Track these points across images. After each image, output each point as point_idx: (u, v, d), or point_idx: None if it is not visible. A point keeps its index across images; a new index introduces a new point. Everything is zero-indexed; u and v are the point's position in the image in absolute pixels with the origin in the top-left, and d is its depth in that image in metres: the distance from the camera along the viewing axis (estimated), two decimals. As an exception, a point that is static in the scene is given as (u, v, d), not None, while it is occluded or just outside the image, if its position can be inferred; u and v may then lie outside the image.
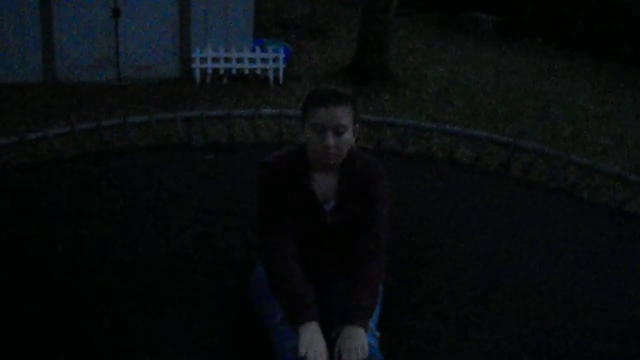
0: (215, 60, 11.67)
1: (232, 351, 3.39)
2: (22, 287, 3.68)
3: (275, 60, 11.75)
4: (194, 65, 11.56)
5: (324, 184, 3.39)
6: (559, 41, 16.61)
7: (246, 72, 11.76)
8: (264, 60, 11.76)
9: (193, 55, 11.60)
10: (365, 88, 11.34)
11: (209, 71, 11.58)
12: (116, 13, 11.35)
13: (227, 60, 11.67)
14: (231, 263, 4.04)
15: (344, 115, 3.15)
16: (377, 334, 3.23)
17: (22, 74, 11.09)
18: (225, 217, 4.50)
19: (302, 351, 2.98)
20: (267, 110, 6.21)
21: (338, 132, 3.15)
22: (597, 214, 5.08)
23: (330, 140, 3.15)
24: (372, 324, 3.28)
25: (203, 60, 11.58)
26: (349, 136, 3.21)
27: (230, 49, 11.72)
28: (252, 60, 11.78)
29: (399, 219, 4.37)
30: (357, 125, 3.29)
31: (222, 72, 11.65)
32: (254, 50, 11.90)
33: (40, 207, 4.55)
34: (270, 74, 11.68)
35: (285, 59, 11.91)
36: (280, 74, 11.77)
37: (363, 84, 11.58)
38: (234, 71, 11.70)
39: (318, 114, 3.15)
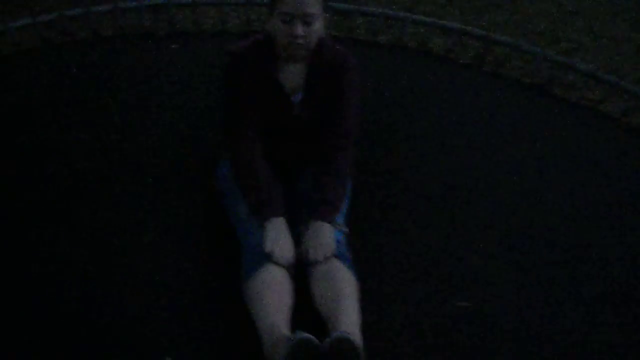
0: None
1: (195, 243, 3.43)
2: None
3: None
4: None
5: (292, 75, 3.31)
6: None
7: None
8: None
9: None
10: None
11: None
12: None
13: None
14: (196, 156, 3.95)
15: (313, 4, 3.08)
16: (345, 229, 3.20)
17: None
18: (189, 109, 4.39)
19: (267, 247, 2.94)
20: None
21: (307, 21, 3.05)
22: (569, 112, 5.00)
23: (299, 29, 3.08)
24: (340, 219, 3.20)
25: None
26: (318, 25, 3.13)
27: None
28: None
29: (370, 111, 4.29)
30: (326, 14, 3.18)
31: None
32: None
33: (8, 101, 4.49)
34: None
35: None
36: None
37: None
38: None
39: (286, 2, 3.07)
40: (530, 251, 3.55)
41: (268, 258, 2.94)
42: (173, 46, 5.23)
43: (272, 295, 2.86)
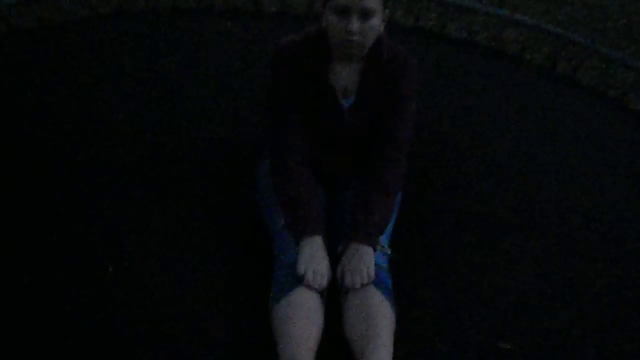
0: None
1: (227, 255, 3.20)
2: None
3: None
4: None
5: (345, 76, 3.01)
6: None
7: None
8: None
9: None
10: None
11: None
12: None
13: None
14: (235, 156, 3.71)
15: None
16: (388, 251, 2.98)
17: None
18: (237, 97, 4.14)
19: (300, 269, 2.69)
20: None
21: (364, 16, 2.73)
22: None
23: (355, 25, 2.76)
24: (384, 240, 2.94)
25: None
26: (376, 22, 2.80)
27: None
28: None
29: (429, 113, 4.01)
30: (387, 10, 2.86)
31: None
32: None
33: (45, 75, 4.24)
34: None
35: None
36: None
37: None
38: None
39: None
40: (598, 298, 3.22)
41: (300, 281, 2.70)
42: (229, 24, 4.95)
43: (299, 322, 2.62)
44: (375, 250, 2.85)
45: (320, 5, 2.93)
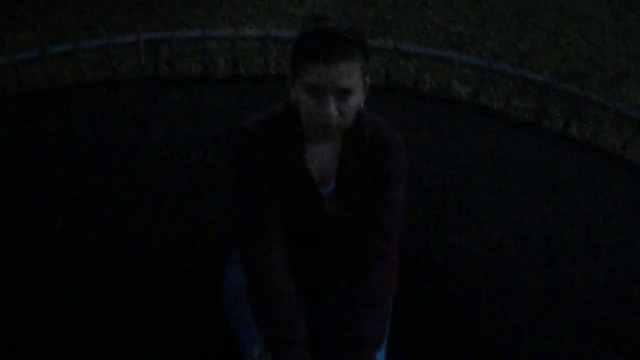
0: (196, -44, 10.50)
1: None
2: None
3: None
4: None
5: (322, 159, 2.47)
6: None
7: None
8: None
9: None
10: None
11: (190, -31, 10.48)
12: None
13: (210, -44, 10.52)
14: (200, 251, 3.23)
15: (351, 72, 2.22)
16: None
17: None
18: (191, 185, 3.64)
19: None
20: (249, 32, 5.21)
21: (342, 95, 2.17)
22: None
23: (332, 107, 2.19)
24: (379, 355, 2.47)
25: (183, -44, 10.45)
26: (357, 99, 2.26)
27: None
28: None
29: (415, 179, 3.59)
30: (367, 80, 2.29)
31: (204, -31, 10.54)
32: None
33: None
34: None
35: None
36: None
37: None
38: (217, -32, 10.57)
39: (314, 71, 2.19)
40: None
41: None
42: (174, 95, 4.43)
43: None
44: None
45: (289, 79, 2.39)
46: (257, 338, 2.43)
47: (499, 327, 3.16)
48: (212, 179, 3.75)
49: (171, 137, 4.07)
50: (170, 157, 3.91)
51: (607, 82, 7.74)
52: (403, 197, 2.56)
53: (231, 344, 2.62)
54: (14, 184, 3.68)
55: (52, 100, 4.41)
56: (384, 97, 4.55)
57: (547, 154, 4.42)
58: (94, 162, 3.87)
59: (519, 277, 3.43)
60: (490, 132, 4.51)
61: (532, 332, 3.15)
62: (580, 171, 4.30)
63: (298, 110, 2.32)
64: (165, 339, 2.95)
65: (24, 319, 2.98)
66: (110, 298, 3.10)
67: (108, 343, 2.92)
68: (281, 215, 2.48)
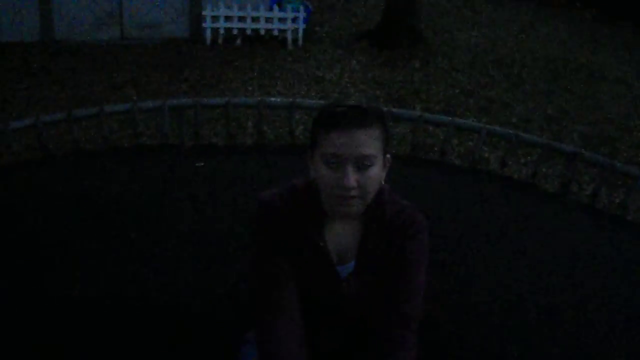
0: (228, 19, 10.71)
1: None
2: None
3: (294, 20, 10.80)
4: (204, 25, 10.57)
5: (341, 238, 2.36)
6: (599, 7, 15.44)
7: (262, 32, 10.77)
8: (281, 20, 10.81)
9: (204, 13, 10.58)
10: (393, 54, 10.33)
11: (222, 31, 10.63)
12: (120, -35, 10.33)
13: (241, 19, 10.74)
14: (214, 325, 3.13)
15: (370, 141, 2.13)
16: None
17: (18, 33, 10.16)
18: (213, 260, 3.55)
19: None
20: (274, 100, 5.19)
21: (362, 166, 2.11)
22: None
23: (351, 178, 2.10)
24: None
25: (215, 19, 10.64)
26: (377, 171, 2.17)
27: (245, 7, 10.71)
28: (268, 20, 10.84)
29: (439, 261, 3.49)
30: (388, 155, 2.24)
31: (235, 32, 10.64)
32: (271, 9, 10.92)
33: None
34: (289, 35, 10.70)
35: (305, 19, 10.94)
36: (300, 35, 10.82)
37: (391, 48, 10.58)
38: (248, 32, 10.74)
39: (333, 140, 2.13)
40: None
41: None
42: (198, 164, 4.38)
43: None
44: None
45: (308, 153, 2.33)
46: None
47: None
48: (231, 251, 3.67)
49: (192, 206, 3.99)
50: (188, 226, 3.83)
51: (638, 145, 7.66)
52: (423, 281, 2.47)
53: None
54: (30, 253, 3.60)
55: (75, 165, 4.35)
56: (410, 166, 4.47)
57: (572, 224, 4.31)
58: (107, 229, 3.81)
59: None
60: (517, 202, 4.41)
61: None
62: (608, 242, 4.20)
63: (318, 186, 2.26)
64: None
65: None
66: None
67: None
68: (299, 294, 2.41)
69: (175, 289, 3.41)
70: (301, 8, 10.83)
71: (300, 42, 10.77)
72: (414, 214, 2.45)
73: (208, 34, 10.63)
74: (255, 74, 9.12)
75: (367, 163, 2.12)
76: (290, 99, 4.94)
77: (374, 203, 2.31)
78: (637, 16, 14.66)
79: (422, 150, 5.30)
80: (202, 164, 4.37)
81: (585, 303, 3.67)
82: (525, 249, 4.01)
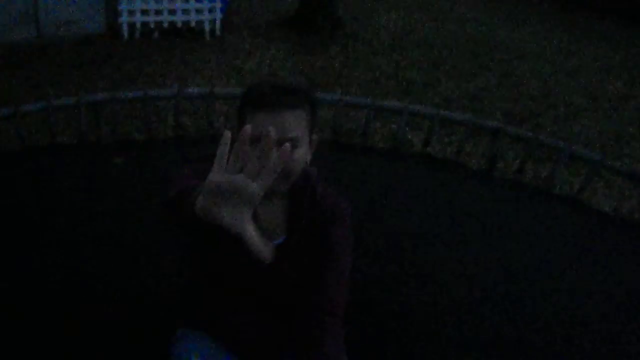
0: (144, 12, 10.47)
1: None
2: None
3: (211, 10, 10.63)
4: (121, 19, 10.35)
5: (266, 214, 2.32)
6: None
7: (179, 25, 10.54)
8: (198, 11, 10.62)
9: (120, 8, 10.37)
10: (312, 40, 10.27)
11: (138, 25, 10.38)
12: (32, -38, 10.07)
13: (157, 12, 10.47)
14: (143, 326, 3.07)
15: (296, 122, 2.11)
16: None
17: None
18: (138, 252, 3.48)
19: None
20: (192, 90, 5.10)
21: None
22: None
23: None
24: None
25: (131, 13, 10.40)
26: (302, 152, 2.15)
27: (161, 0, 10.43)
28: (185, 12, 10.62)
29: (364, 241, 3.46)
30: (315, 136, 2.20)
31: (152, 26, 10.44)
32: (187, 1, 10.68)
33: None
34: (206, 26, 10.52)
35: (222, 9, 10.79)
36: (217, 25, 10.63)
37: (309, 34, 10.51)
38: (165, 24, 10.50)
39: (258, 120, 2.07)
40: None
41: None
42: (116, 160, 4.29)
43: None
44: None
45: (235, 131, 2.23)
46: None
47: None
48: (156, 248, 3.60)
49: (115, 204, 3.90)
50: (112, 224, 3.75)
51: (561, 120, 7.73)
52: (349, 267, 2.44)
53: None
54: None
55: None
56: (332, 150, 4.44)
57: (501, 200, 4.33)
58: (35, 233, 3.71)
59: (476, 326, 3.32)
60: (443, 181, 4.41)
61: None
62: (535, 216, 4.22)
63: None
64: None
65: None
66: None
67: None
68: (216, 276, 2.36)
69: (98, 295, 3.34)
70: (218, -2, 10.72)
71: (218, 32, 10.64)
72: (338, 199, 2.42)
73: (125, 29, 10.41)
74: (174, 67, 8.99)
75: (292, 145, 2.07)
76: (208, 89, 4.86)
77: (302, 181, 2.28)
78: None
79: (344, 135, 5.27)
80: (121, 160, 4.29)
81: (515, 275, 3.69)
82: (454, 226, 4.01)
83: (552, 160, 5.14)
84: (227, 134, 1.51)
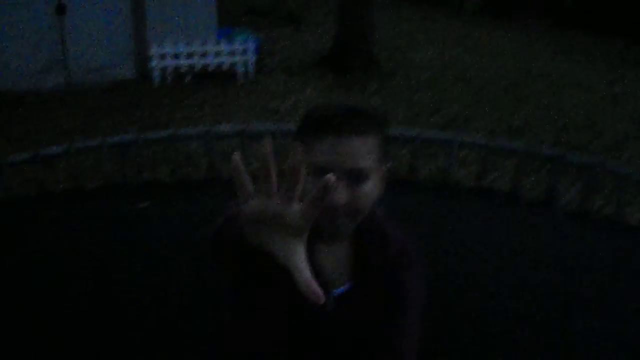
0: (175, 56, 10.29)
1: None
2: None
3: (244, 52, 10.42)
4: (152, 64, 10.15)
5: (325, 260, 1.93)
6: (550, 17, 15.35)
7: (211, 68, 10.31)
8: (231, 53, 10.42)
9: (150, 53, 10.17)
10: (348, 79, 10.02)
11: (169, 70, 10.18)
12: (60, 10, 9.96)
13: (189, 55, 10.32)
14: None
15: (366, 150, 1.72)
16: None
17: (-43, 86, 9.69)
18: (167, 314, 3.17)
19: None
20: (224, 127, 4.78)
21: (356, 179, 1.71)
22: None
23: (342, 194, 1.70)
24: None
25: (162, 57, 10.22)
26: (372, 186, 1.77)
27: (192, 43, 10.34)
28: (218, 54, 10.44)
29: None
30: (385, 167, 1.82)
31: (184, 69, 10.20)
32: (219, 43, 10.51)
33: None
34: (239, 69, 10.28)
35: (255, 51, 10.57)
36: (251, 67, 10.40)
37: (345, 74, 10.26)
38: (197, 68, 10.26)
39: (323, 147, 1.73)
40: None
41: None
42: (141, 205, 3.97)
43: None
44: None
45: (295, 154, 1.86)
46: None
47: None
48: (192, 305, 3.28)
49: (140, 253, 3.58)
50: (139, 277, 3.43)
51: (610, 148, 7.39)
52: (418, 320, 2.07)
53: None
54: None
55: (9, 213, 3.95)
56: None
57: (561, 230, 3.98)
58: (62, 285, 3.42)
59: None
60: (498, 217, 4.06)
61: None
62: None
63: None
64: None
65: None
66: None
67: None
68: (277, 322, 2.01)
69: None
70: (250, 40, 10.51)
71: (251, 74, 10.41)
72: (409, 241, 2.06)
73: (156, 74, 10.23)
74: (207, 111, 8.76)
75: (361, 177, 1.73)
76: (242, 126, 4.55)
77: (368, 221, 1.92)
78: (589, 23, 14.59)
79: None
80: (147, 203, 3.97)
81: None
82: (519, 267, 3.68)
83: (616, 188, 4.77)
84: (236, 158, 1.18)
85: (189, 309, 3.26)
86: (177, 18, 10.57)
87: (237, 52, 10.41)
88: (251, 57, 10.48)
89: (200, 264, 3.12)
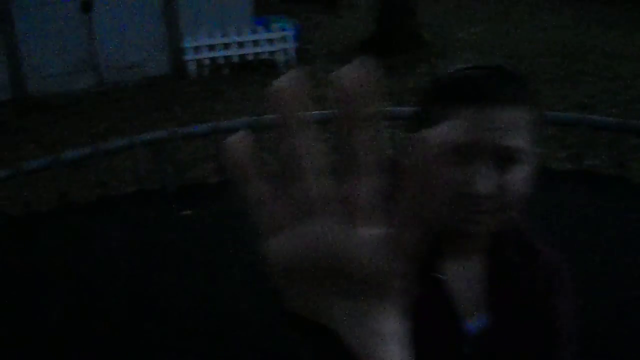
0: (211, 48, 9.85)
1: None
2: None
3: (283, 40, 9.99)
4: (186, 57, 9.69)
5: (464, 282, 1.47)
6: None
7: (250, 58, 9.82)
8: (269, 41, 9.99)
9: (184, 46, 9.75)
10: (394, 61, 9.51)
11: (206, 62, 9.76)
12: (86, 7, 9.53)
13: (226, 46, 9.86)
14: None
15: (519, 125, 1.30)
16: None
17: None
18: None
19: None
20: (269, 118, 4.25)
21: (506, 163, 1.26)
22: None
23: (486, 179, 1.24)
24: None
25: (197, 49, 9.81)
26: (525, 174, 1.31)
27: (228, 33, 9.84)
28: (256, 43, 10.01)
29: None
30: (537, 151, 1.36)
31: (221, 61, 9.72)
32: (256, 32, 9.99)
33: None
34: (280, 57, 9.77)
35: (295, 37, 10.11)
36: (291, 55, 9.89)
37: (390, 56, 9.72)
38: (235, 59, 9.78)
39: (462, 121, 1.29)
40: None
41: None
42: (184, 212, 3.44)
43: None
44: None
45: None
46: None
47: None
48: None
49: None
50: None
51: None
52: (572, 348, 1.54)
53: None
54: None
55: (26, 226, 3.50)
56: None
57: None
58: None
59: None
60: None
61: None
62: None
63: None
64: None
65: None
66: None
67: None
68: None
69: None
70: (289, 26, 10.02)
71: (293, 62, 9.91)
72: (557, 254, 1.52)
73: (192, 67, 9.82)
74: (248, 103, 8.30)
75: (512, 160, 1.27)
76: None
77: (512, 229, 1.44)
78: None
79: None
80: (190, 211, 3.43)
81: None
82: None
83: None
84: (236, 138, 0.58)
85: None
86: (210, 7, 10.07)
87: (276, 41, 9.99)
88: (291, 45, 10.07)
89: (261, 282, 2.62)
